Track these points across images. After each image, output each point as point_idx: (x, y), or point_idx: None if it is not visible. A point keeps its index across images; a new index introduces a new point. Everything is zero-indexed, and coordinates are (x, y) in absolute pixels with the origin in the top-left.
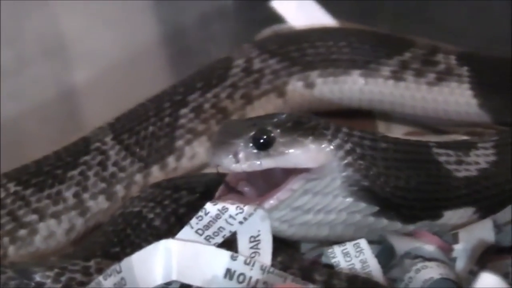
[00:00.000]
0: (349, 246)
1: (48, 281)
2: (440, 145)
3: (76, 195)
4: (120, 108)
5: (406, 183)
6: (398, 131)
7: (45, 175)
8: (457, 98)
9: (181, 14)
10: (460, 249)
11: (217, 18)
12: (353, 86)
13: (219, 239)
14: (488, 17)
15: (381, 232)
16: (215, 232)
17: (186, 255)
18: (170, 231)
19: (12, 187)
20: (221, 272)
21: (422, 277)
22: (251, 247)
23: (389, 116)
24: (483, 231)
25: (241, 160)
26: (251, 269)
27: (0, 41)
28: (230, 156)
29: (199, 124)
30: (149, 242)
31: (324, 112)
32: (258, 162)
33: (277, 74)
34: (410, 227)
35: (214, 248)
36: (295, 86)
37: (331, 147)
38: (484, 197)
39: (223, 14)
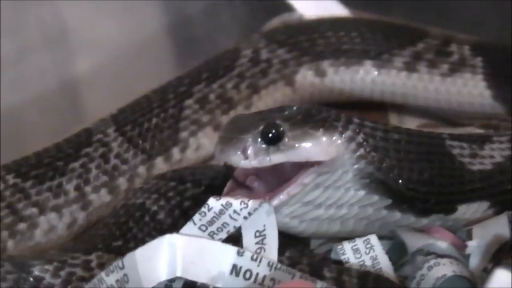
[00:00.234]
0: (359, 242)
1: (47, 275)
2: (453, 137)
3: (77, 188)
4: (123, 99)
5: (419, 175)
6: (411, 124)
7: (45, 167)
8: (470, 90)
9: (187, 2)
10: (474, 246)
11: (224, 7)
12: (365, 76)
13: (223, 235)
14: (507, 5)
15: (394, 226)
16: (219, 228)
17: (191, 251)
18: (174, 226)
19: (11, 179)
20: (227, 268)
21: (434, 275)
22: (257, 243)
23: (401, 108)
24: (498, 227)
25: (250, 156)
26: (258, 265)
27: (0, 30)
28: (239, 152)
29: (204, 115)
30: (152, 236)
31: (334, 103)
32: (268, 158)
33: (286, 64)
34: (424, 221)
35: (220, 244)
36: (305, 75)
37: (343, 139)
38: (499, 191)
39: (231, 3)
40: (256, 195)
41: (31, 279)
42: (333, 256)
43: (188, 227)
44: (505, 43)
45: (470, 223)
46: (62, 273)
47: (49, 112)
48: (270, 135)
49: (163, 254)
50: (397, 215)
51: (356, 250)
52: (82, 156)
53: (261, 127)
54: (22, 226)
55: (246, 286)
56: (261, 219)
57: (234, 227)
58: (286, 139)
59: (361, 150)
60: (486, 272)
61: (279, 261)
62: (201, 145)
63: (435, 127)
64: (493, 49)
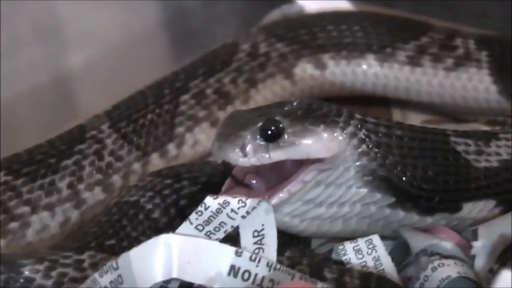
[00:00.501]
0: (361, 243)
1: (38, 275)
2: (458, 134)
3: (70, 185)
4: (118, 94)
5: (423, 173)
6: (414, 120)
7: (37, 164)
8: (475, 84)
9: None
10: (480, 246)
11: None
12: (368, 70)
13: (221, 235)
14: None
15: (397, 225)
16: (216, 227)
17: (188, 251)
18: (170, 224)
19: (2, 176)
20: (225, 269)
21: (439, 276)
22: (255, 243)
23: (405, 104)
24: (504, 227)
25: (249, 154)
26: (257, 266)
27: None
28: (237, 149)
29: (200, 110)
30: (147, 235)
31: (336, 98)
32: (267, 155)
33: (285, 57)
34: (428, 220)
35: (217, 244)
36: (304, 68)
37: (344, 135)
38: (506, 190)
39: None
40: (255, 194)
41: (22, 280)
42: (334, 256)
43: (185, 227)
44: (510, 37)
45: (475, 223)
46: (54, 273)
47: (41, 107)
48: (270, 131)
49: (158, 254)
50: (400, 213)
51: (358, 251)
52: (75, 153)
53: (260, 123)
54: (13, 225)
55: (244, 287)
56: (259, 218)
57: (232, 226)
58: (286, 136)
59: (363, 146)
60: (492, 273)
61: (279, 261)
62: (198, 140)
63: (439, 123)
64: (499, 43)
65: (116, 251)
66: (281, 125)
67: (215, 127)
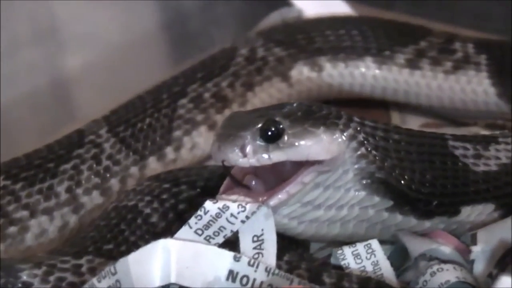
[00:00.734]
0: (359, 247)
1: (36, 280)
2: (457, 138)
3: (68, 190)
4: (117, 95)
5: (421, 176)
6: (413, 123)
7: (35, 168)
8: (474, 87)
9: None
10: (479, 251)
11: (221, 1)
12: (366, 72)
13: (220, 239)
14: None
15: (395, 229)
16: (215, 232)
17: (186, 256)
18: (168, 229)
19: (0, 181)
20: (223, 273)
21: (438, 280)
22: (254, 247)
23: (403, 107)
24: (504, 231)
25: (249, 154)
26: (255, 271)
27: None
28: (237, 150)
29: (198, 114)
30: (145, 240)
31: (335, 100)
32: (267, 156)
33: (282, 61)
34: (426, 224)
35: (216, 248)
36: (301, 70)
37: (344, 137)
38: (505, 194)
39: None
40: (254, 194)
41: (20, 284)
42: (332, 261)
43: (184, 231)
44: (509, 40)
45: (475, 227)
46: (51, 278)
47: (39, 109)
48: (270, 132)
49: (157, 259)
50: (398, 217)
51: (356, 255)
52: (74, 158)
53: (260, 124)
54: (12, 229)
55: None
56: (259, 223)
57: (232, 231)
58: (286, 137)
59: (362, 149)
60: (491, 278)
61: (277, 265)
62: (196, 144)
63: (438, 127)
64: (497, 47)
65: (114, 255)
66: (281, 126)
67: (213, 130)
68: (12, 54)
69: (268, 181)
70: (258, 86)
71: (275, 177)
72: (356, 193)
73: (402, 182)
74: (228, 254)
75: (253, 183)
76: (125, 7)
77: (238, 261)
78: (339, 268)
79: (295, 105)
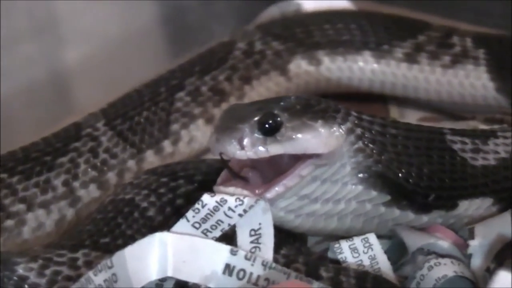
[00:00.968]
0: (357, 241)
1: (32, 274)
2: (455, 132)
3: (65, 183)
4: (114, 89)
5: (418, 170)
6: (411, 117)
7: (32, 161)
8: (473, 81)
9: None
10: (476, 245)
11: None
12: (364, 66)
13: (217, 233)
14: None
15: (392, 224)
16: (213, 225)
17: (183, 250)
18: (165, 223)
19: None
20: (220, 267)
21: (435, 275)
22: (252, 241)
23: (402, 101)
24: (501, 226)
25: (247, 147)
26: (252, 265)
27: None
28: (235, 142)
29: (196, 108)
30: (142, 234)
31: (333, 94)
32: (265, 149)
33: (279, 54)
34: (423, 218)
35: (212, 242)
36: (299, 64)
37: (342, 131)
38: (503, 188)
39: None
40: (252, 187)
41: (16, 278)
42: (330, 255)
43: (181, 224)
44: (508, 35)
45: (473, 221)
46: (48, 271)
47: (38, 102)
48: (268, 125)
49: (153, 253)
50: (395, 212)
51: (354, 249)
52: (71, 151)
53: (258, 117)
54: (9, 223)
55: (239, 286)
56: (256, 217)
57: (229, 224)
58: (284, 130)
59: (360, 143)
60: (489, 272)
61: (274, 259)
62: (193, 137)
63: (437, 121)
64: (496, 41)
65: (110, 249)
66: (279, 119)
67: (211, 124)
68: (10, 48)
69: (265, 174)
70: (256, 79)
71: (273, 170)
72: (353, 187)
73: (400, 176)
74: (225, 248)
75: (251, 175)
76: (123, 1)
77: (235, 255)
78: (336, 262)
79: (293, 98)
